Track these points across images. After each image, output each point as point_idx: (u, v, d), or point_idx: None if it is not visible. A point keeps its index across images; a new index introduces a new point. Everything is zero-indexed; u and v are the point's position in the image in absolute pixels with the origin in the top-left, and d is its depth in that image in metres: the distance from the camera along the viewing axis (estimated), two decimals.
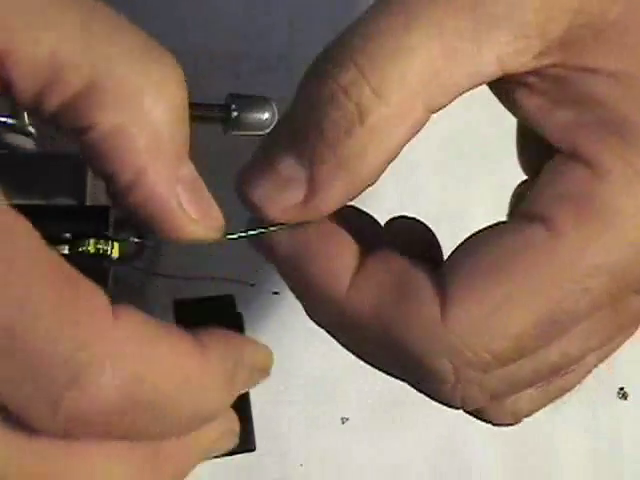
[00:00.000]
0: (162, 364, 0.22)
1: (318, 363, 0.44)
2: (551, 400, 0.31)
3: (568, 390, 0.32)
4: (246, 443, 0.32)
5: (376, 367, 0.30)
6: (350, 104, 0.26)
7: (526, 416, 0.32)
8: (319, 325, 0.29)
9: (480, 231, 0.27)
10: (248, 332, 0.31)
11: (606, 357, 0.32)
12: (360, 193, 0.27)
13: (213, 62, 0.44)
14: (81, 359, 0.21)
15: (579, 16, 0.26)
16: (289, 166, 0.27)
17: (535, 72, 0.27)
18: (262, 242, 0.29)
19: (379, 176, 0.27)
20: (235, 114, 0.33)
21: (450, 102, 0.26)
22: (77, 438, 0.22)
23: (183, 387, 0.23)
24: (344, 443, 0.44)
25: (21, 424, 0.21)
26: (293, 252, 0.28)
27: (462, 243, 0.27)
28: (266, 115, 0.34)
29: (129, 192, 0.24)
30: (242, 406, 0.31)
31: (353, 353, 0.30)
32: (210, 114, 0.33)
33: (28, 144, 0.29)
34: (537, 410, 0.31)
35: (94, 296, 0.22)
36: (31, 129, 0.29)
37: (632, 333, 0.30)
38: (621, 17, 0.26)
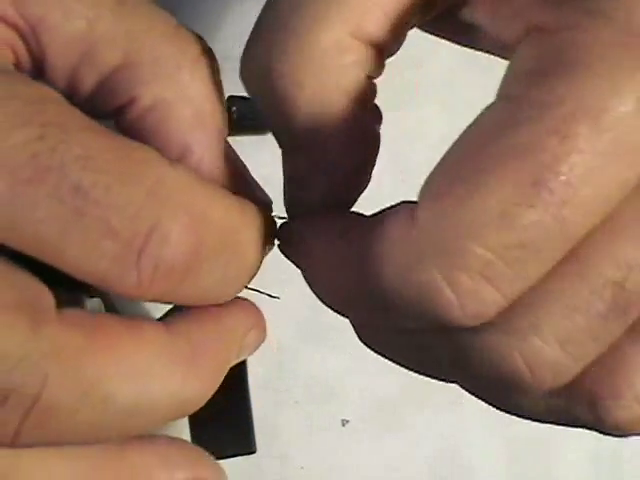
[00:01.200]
0: (220, 209, 0.22)
1: (318, 365, 0.45)
2: None
3: None
4: (247, 445, 0.32)
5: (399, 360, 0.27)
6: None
7: None
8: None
9: None
10: None
11: None
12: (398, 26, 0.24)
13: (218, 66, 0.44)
14: (154, 206, 0.21)
15: None
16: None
17: None
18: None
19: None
20: (235, 116, 0.33)
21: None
22: (154, 294, 0.21)
23: (236, 232, 0.23)
24: (345, 445, 0.44)
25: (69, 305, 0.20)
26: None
27: None
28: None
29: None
30: (242, 408, 0.31)
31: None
32: None
33: None
34: None
35: (146, 149, 0.21)
36: None
37: None
38: None
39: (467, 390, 0.25)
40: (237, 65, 0.42)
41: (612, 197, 0.21)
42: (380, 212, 0.23)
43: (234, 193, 0.24)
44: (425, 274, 0.21)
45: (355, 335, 0.43)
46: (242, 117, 0.33)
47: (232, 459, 0.32)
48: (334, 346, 0.44)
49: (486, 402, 0.25)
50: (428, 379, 0.44)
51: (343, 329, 0.44)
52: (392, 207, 0.23)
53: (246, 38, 0.40)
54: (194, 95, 0.24)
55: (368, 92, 0.25)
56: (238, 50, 0.43)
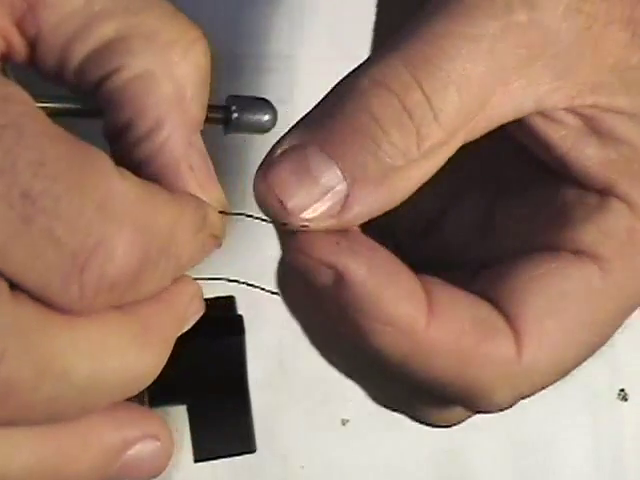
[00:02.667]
0: (164, 218, 0.22)
1: (319, 365, 0.44)
2: None
3: None
4: (247, 445, 0.32)
5: (411, 408, 0.31)
6: (412, 127, 0.26)
7: None
8: (372, 357, 0.28)
9: (530, 268, 0.28)
10: (248, 333, 0.31)
11: None
12: (382, 212, 0.27)
13: (214, 64, 0.44)
14: (102, 220, 0.20)
15: (610, 60, 0.27)
16: (332, 177, 0.26)
17: (565, 110, 0.28)
18: (334, 263, 0.27)
19: (407, 197, 0.27)
20: (235, 115, 0.33)
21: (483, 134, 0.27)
22: (95, 308, 0.21)
23: (177, 238, 0.23)
24: (345, 444, 0.44)
25: (33, 299, 0.21)
26: (371, 284, 0.26)
27: (519, 280, 0.28)
28: (266, 117, 0.34)
29: (144, 141, 0.24)
30: (242, 408, 0.31)
31: (395, 402, 0.30)
32: (210, 115, 0.33)
33: None
34: None
35: (102, 158, 0.21)
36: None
37: None
38: None
39: None
40: (237, 63, 0.42)
41: None
42: None
43: (189, 184, 0.25)
44: (504, 397, 0.28)
45: None
46: (241, 116, 0.33)
47: (232, 458, 0.32)
48: None
49: None
50: None
51: None
52: None
53: (246, 38, 0.40)
54: (181, 76, 0.25)
55: None
56: (239, 49, 0.43)
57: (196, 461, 0.31)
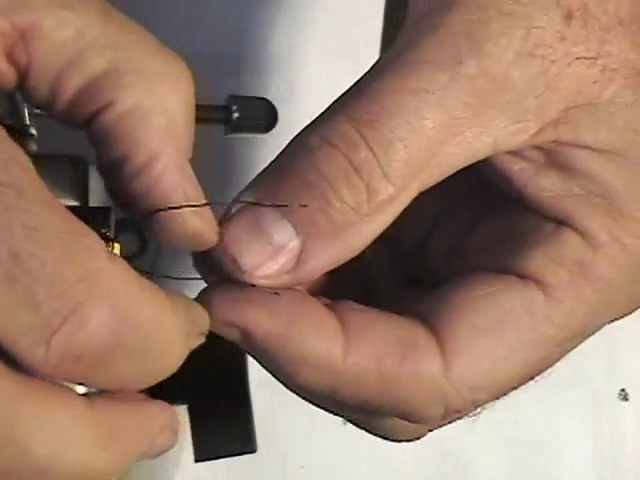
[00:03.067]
0: (147, 311, 0.22)
1: None
2: None
3: None
4: (247, 445, 0.32)
5: (356, 424, 0.30)
6: (361, 183, 0.26)
7: None
8: (313, 401, 0.29)
9: (471, 287, 0.28)
10: None
11: None
12: (339, 265, 0.27)
13: (212, 64, 0.44)
14: (82, 292, 0.21)
15: (577, 97, 0.27)
16: (284, 235, 0.27)
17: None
18: (236, 321, 0.27)
19: (362, 249, 0.27)
20: (235, 115, 0.33)
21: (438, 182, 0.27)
22: (60, 374, 0.21)
23: (158, 335, 0.23)
24: (345, 445, 0.44)
25: (4, 356, 0.21)
26: (275, 331, 0.27)
27: (444, 295, 0.28)
28: (265, 116, 0.34)
29: (138, 175, 0.24)
30: (243, 408, 0.31)
31: (341, 416, 0.30)
32: (210, 115, 0.33)
33: (30, 145, 0.29)
34: None
35: (92, 236, 0.22)
36: (32, 130, 0.29)
37: None
38: (613, 99, 0.27)
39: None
40: (237, 64, 0.42)
41: None
42: None
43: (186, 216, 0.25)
44: (435, 412, 0.28)
45: None
46: (241, 116, 0.33)
47: (233, 458, 0.32)
48: None
49: None
50: None
51: None
52: None
53: (242, 40, 0.40)
54: (171, 108, 0.25)
55: None
56: (239, 50, 0.43)
57: (197, 461, 0.31)
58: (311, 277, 0.27)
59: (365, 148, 0.26)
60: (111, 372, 0.22)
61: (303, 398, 0.29)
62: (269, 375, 0.45)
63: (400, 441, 0.31)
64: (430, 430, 0.31)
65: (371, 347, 0.27)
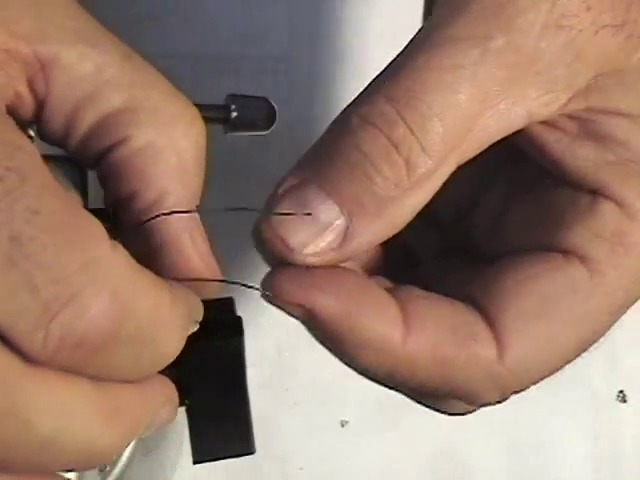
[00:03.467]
0: (147, 300, 0.22)
1: (318, 366, 0.45)
2: None
3: None
4: (246, 446, 0.32)
5: (413, 398, 0.31)
6: (400, 159, 0.27)
7: None
8: (370, 378, 0.30)
9: (518, 269, 0.29)
10: (248, 335, 0.31)
11: None
12: (384, 239, 0.29)
13: (212, 63, 0.44)
14: (82, 279, 0.21)
15: (605, 65, 0.28)
16: (330, 213, 0.28)
17: (560, 114, 0.29)
18: (302, 302, 0.28)
19: (405, 224, 0.28)
20: (235, 114, 0.33)
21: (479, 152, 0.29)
22: (58, 362, 0.21)
23: (159, 325, 0.23)
24: (344, 446, 0.44)
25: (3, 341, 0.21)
26: (339, 316, 0.28)
27: (495, 278, 0.29)
28: (265, 115, 0.34)
29: (148, 211, 0.25)
30: (242, 409, 0.31)
31: (383, 385, 0.30)
32: (210, 114, 0.33)
33: None
34: None
35: (96, 224, 0.22)
36: (31, 132, 0.29)
37: None
38: None
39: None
40: (236, 64, 0.42)
41: None
42: None
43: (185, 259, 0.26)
44: (492, 397, 0.29)
45: None
46: (240, 115, 0.33)
47: (232, 460, 0.32)
48: None
49: None
50: None
51: None
52: None
53: (245, 39, 0.40)
54: (183, 150, 0.26)
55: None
56: (238, 50, 0.43)
57: (195, 462, 0.31)
58: (357, 253, 0.28)
59: (403, 125, 0.27)
60: (110, 361, 0.22)
61: (361, 374, 0.30)
62: (268, 377, 0.45)
63: (454, 414, 0.32)
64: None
65: (429, 333, 0.28)
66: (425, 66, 0.27)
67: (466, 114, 0.27)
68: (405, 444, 0.45)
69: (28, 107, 0.25)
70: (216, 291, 0.27)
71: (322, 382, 0.44)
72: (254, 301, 0.43)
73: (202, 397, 0.31)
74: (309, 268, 0.28)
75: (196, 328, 0.26)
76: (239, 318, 0.32)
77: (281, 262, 0.28)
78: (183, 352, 0.30)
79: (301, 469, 0.44)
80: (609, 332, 0.46)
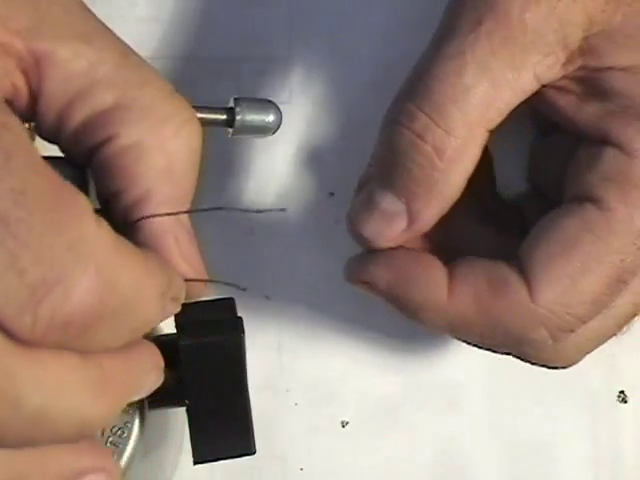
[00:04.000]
0: (129, 273, 0.23)
1: (318, 366, 0.44)
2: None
3: None
4: (246, 446, 0.32)
5: (486, 349, 0.36)
6: (427, 146, 0.32)
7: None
8: (432, 329, 0.36)
9: (543, 222, 0.34)
10: (248, 335, 0.31)
11: None
12: (448, 208, 0.34)
13: (212, 64, 0.44)
14: (68, 259, 0.21)
15: (590, 27, 0.32)
16: (390, 203, 0.33)
17: (563, 77, 0.33)
18: (364, 278, 0.35)
19: (462, 190, 0.34)
20: (239, 117, 0.33)
21: (503, 117, 0.33)
22: (46, 343, 0.21)
23: (139, 296, 0.23)
24: (344, 446, 0.44)
25: None
26: (395, 283, 0.34)
27: (530, 233, 0.34)
28: (270, 118, 0.34)
29: (133, 210, 0.25)
30: (242, 410, 0.31)
31: (467, 343, 0.36)
32: (214, 117, 0.33)
33: None
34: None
35: (82, 201, 0.22)
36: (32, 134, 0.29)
37: None
38: (623, 22, 0.32)
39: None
40: (236, 65, 0.42)
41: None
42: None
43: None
44: (539, 334, 0.33)
45: (354, 338, 0.43)
46: (247, 118, 0.33)
47: (232, 460, 0.32)
48: (334, 348, 0.44)
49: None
50: (428, 380, 0.44)
51: (343, 331, 0.45)
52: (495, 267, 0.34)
53: (248, 39, 0.40)
54: (172, 151, 0.26)
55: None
56: (237, 51, 0.43)
57: (195, 463, 0.31)
58: (423, 230, 0.34)
59: (423, 116, 0.32)
60: (95, 336, 0.22)
61: (438, 332, 0.37)
62: (268, 377, 0.45)
63: (557, 368, 0.37)
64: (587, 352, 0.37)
65: (469, 289, 0.33)
66: (433, 59, 0.32)
67: (477, 92, 0.32)
68: (405, 445, 0.45)
69: (24, 100, 0.25)
70: (201, 293, 0.27)
71: (323, 383, 0.44)
72: (255, 301, 0.43)
73: (202, 397, 0.31)
74: (373, 251, 0.35)
75: (177, 308, 0.26)
76: (240, 318, 0.32)
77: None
78: (183, 352, 0.31)
79: (301, 469, 0.44)
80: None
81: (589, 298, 0.33)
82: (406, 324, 0.44)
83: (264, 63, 0.44)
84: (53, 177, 0.22)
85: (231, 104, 0.34)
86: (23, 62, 0.24)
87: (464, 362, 0.45)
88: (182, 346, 0.30)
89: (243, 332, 0.31)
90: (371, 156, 0.35)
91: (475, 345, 0.36)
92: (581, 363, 0.44)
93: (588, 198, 0.32)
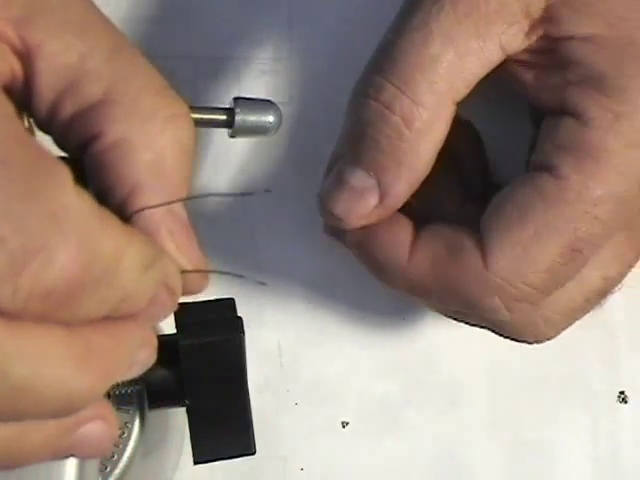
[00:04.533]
0: (111, 242, 0.22)
1: (319, 367, 0.44)
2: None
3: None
4: (246, 447, 0.32)
5: (449, 316, 0.37)
6: (395, 117, 0.32)
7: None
8: (394, 289, 0.36)
9: (502, 191, 0.34)
10: (248, 335, 0.31)
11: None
12: (420, 182, 0.34)
13: (213, 64, 0.44)
14: (49, 229, 0.21)
15: None
16: (360, 179, 0.33)
17: (527, 50, 0.33)
18: (338, 235, 0.36)
19: (432, 164, 0.34)
20: (239, 117, 0.33)
21: (471, 88, 0.33)
22: (29, 313, 0.21)
23: (121, 265, 0.23)
24: (344, 447, 0.44)
25: None
26: (362, 239, 0.35)
27: (491, 202, 0.34)
28: (271, 118, 0.34)
29: (124, 206, 0.25)
30: (242, 410, 0.31)
31: (429, 308, 0.38)
32: (214, 117, 0.33)
33: None
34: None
35: (63, 172, 0.22)
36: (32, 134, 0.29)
37: None
38: None
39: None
40: (239, 65, 0.42)
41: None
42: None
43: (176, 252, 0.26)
44: (492, 302, 0.33)
45: (354, 338, 0.43)
46: (247, 118, 0.33)
47: (232, 460, 0.32)
48: (334, 348, 0.44)
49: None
50: (428, 380, 0.44)
51: (343, 331, 0.45)
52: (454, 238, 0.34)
53: (248, 40, 0.40)
54: (160, 146, 0.25)
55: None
56: (239, 51, 0.43)
57: (196, 463, 0.31)
58: (396, 205, 0.34)
59: (390, 87, 0.32)
60: (76, 306, 0.22)
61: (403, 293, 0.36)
62: (268, 377, 0.45)
63: (531, 342, 0.37)
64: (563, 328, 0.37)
65: (428, 253, 0.34)
66: (397, 31, 0.33)
67: (444, 61, 0.32)
68: (406, 445, 0.45)
69: (20, 86, 0.25)
70: (202, 286, 0.27)
71: (323, 383, 0.44)
72: (255, 302, 0.43)
73: (203, 397, 0.31)
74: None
75: (174, 298, 0.26)
76: (240, 319, 0.32)
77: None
78: (183, 352, 0.31)
79: (301, 470, 0.44)
80: (608, 333, 0.46)
81: (542, 267, 0.32)
82: (407, 324, 0.44)
83: (264, 63, 0.44)
84: (34, 147, 0.21)
85: (231, 104, 0.34)
86: (17, 49, 0.24)
87: (464, 362, 0.45)
88: (182, 346, 0.30)
89: (243, 332, 0.31)
90: (340, 134, 0.35)
91: (438, 310, 0.37)
92: (581, 363, 0.44)
93: (544, 167, 0.32)
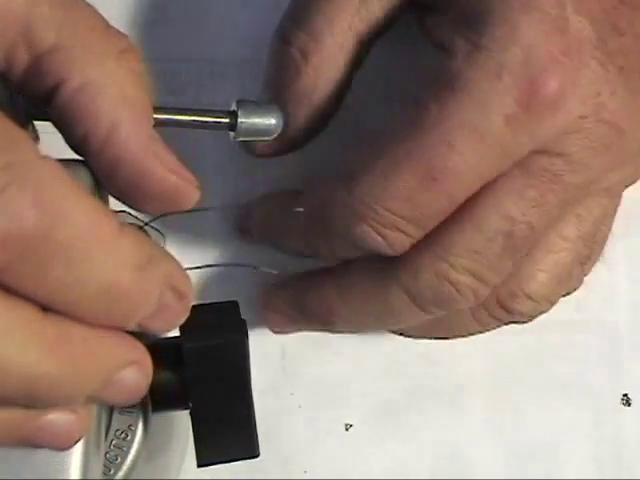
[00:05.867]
0: (82, 214, 0.22)
1: (322, 370, 0.44)
2: (562, 282, 0.38)
3: (570, 268, 0.38)
4: (250, 449, 0.32)
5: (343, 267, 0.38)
6: (293, 49, 0.34)
7: (542, 302, 0.38)
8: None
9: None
10: (252, 338, 0.31)
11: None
12: (326, 120, 0.36)
13: (215, 68, 0.44)
14: (3, 177, 0.21)
15: None
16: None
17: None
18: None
19: (337, 104, 0.35)
20: (242, 120, 0.33)
21: (377, 32, 0.35)
22: None
23: (97, 244, 0.22)
24: (348, 449, 0.44)
25: None
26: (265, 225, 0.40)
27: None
28: (273, 120, 0.34)
29: (104, 150, 0.25)
30: (246, 413, 0.31)
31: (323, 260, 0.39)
32: (217, 120, 0.33)
33: None
34: (552, 294, 0.38)
35: (26, 136, 0.22)
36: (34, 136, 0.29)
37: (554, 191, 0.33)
38: None
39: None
40: (241, 69, 0.42)
41: (484, 175, 0.32)
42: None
43: (163, 173, 0.25)
44: (362, 229, 0.33)
45: (357, 341, 0.43)
46: (249, 120, 0.33)
47: (235, 463, 0.32)
48: (337, 351, 0.44)
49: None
50: (431, 383, 0.44)
51: (346, 334, 0.44)
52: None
53: (250, 42, 0.41)
54: (119, 79, 0.25)
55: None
56: (241, 55, 0.43)
57: (199, 466, 0.31)
58: (296, 137, 0.36)
59: (289, 24, 0.35)
60: (44, 270, 0.22)
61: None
62: (272, 380, 0.45)
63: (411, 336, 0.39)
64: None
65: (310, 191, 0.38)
66: None
67: (343, 2, 0.33)
68: (409, 447, 0.45)
69: None
70: (194, 198, 0.27)
71: (326, 386, 0.44)
72: (258, 304, 0.43)
73: (206, 400, 0.31)
74: None
75: (185, 303, 0.25)
76: (243, 321, 0.32)
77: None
78: (187, 355, 0.31)
79: (305, 472, 0.44)
80: (612, 335, 0.46)
81: (402, 194, 0.32)
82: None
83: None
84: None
85: (233, 107, 0.34)
86: None
87: (466, 365, 0.44)
88: (186, 349, 0.30)
89: (247, 335, 0.31)
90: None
91: (329, 260, 0.38)
92: (584, 366, 0.44)
93: (412, 99, 0.33)
